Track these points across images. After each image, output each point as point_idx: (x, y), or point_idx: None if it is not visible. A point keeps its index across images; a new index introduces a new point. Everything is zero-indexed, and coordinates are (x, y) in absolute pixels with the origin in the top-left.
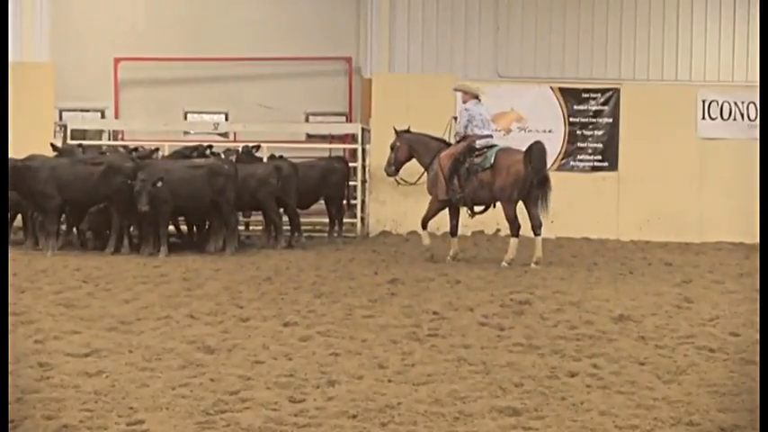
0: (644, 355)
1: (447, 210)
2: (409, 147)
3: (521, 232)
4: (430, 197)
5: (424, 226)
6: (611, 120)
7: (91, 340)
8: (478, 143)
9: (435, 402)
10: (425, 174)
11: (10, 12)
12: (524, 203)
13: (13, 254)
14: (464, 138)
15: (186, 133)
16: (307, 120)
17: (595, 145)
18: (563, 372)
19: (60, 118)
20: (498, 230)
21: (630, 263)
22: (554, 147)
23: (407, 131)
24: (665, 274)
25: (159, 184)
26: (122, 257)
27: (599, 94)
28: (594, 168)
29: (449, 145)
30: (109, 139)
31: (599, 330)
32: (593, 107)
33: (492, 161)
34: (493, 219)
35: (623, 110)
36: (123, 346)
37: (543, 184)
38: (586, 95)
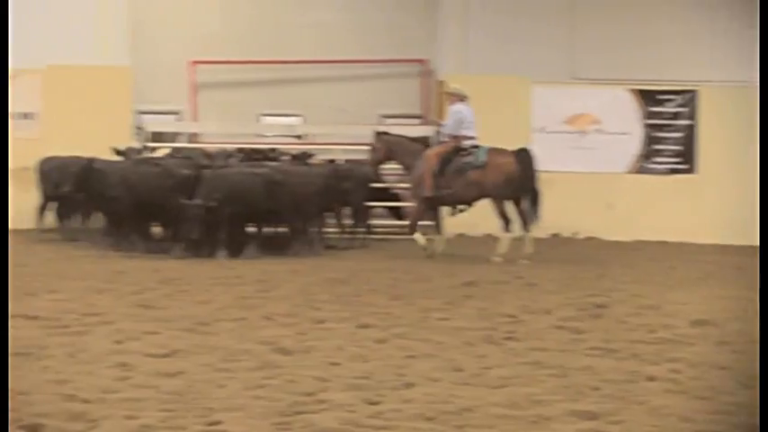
0: (723, 359)
1: (439, 211)
2: (388, 148)
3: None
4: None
5: (413, 230)
6: (689, 122)
7: (169, 341)
8: (466, 143)
9: (512, 406)
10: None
11: (89, 16)
12: (513, 201)
13: (88, 254)
14: (454, 138)
15: (261, 136)
16: (381, 122)
17: (673, 147)
18: (641, 376)
19: (138, 121)
20: (575, 233)
21: (709, 266)
22: (630, 149)
23: (386, 133)
24: (743, 278)
25: (213, 203)
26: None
27: (677, 96)
28: (672, 171)
29: (429, 146)
30: (186, 142)
31: (677, 334)
32: (671, 109)
33: (483, 159)
34: (569, 221)
35: (702, 112)
36: (200, 346)
37: (533, 192)
38: (663, 97)
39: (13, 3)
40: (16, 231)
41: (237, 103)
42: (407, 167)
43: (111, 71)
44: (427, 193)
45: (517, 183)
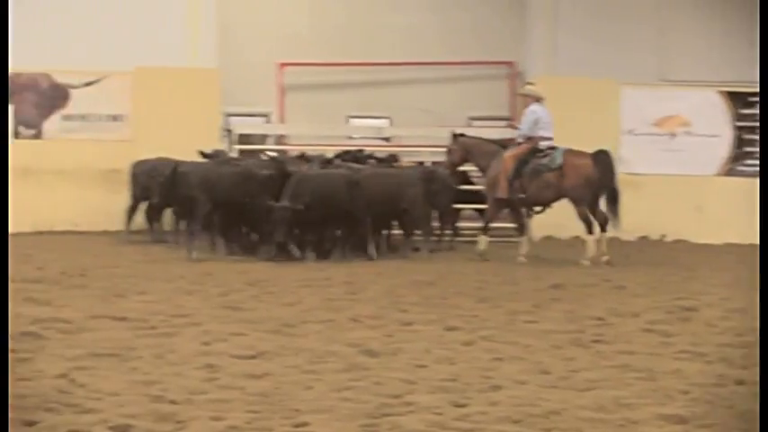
0: None
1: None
2: (465, 150)
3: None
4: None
5: (486, 230)
6: None
7: (256, 342)
8: (542, 144)
9: (600, 409)
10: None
11: (177, 19)
12: (591, 202)
13: (177, 256)
14: (529, 139)
15: (349, 138)
16: (469, 125)
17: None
18: (730, 380)
19: (226, 123)
20: (663, 236)
21: None
22: (720, 151)
23: (463, 135)
24: None
25: (300, 206)
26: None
27: None
28: None
29: (506, 147)
30: (274, 144)
31: None
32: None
33: (559, 162)
34: (658, 224)
35: None
36: (287, 348)
37: (613, 194)
38: (753, 99)
39: (101, 6)
40: (106, 233)
41: (325, 106)
42: (483, 169)
43: (199, 73)
44: (502, 194)
45: (595, 185)
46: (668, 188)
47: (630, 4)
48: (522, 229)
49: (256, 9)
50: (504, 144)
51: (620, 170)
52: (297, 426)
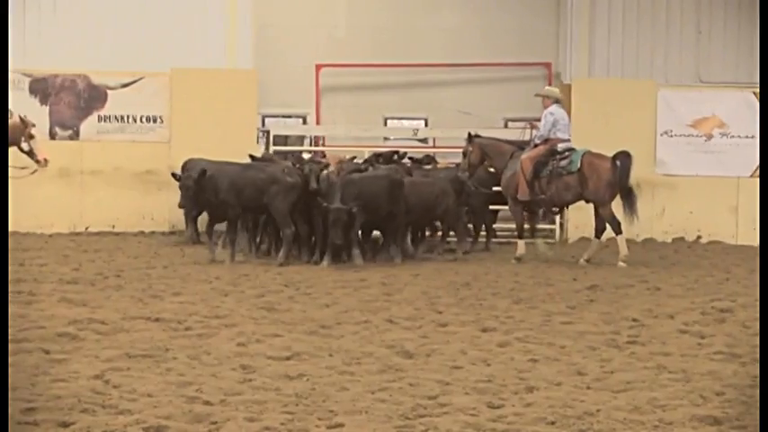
0: None
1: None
2: (482, 151)
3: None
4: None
5: (521, 234)
6: None
7: (291, 343)
8: (560, 146)
9: (635, 410)
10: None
11: (214, 20)
12: (606, 204)
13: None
14: (546, 141)
15: (386, 139)
16: (506, 125)
17: None
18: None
19: (263, 124)
20: (699, 237)
21: None
22: (756, 153)
23: (478, 136)
24: None
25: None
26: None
27: None
28: None
29: (522, 148)
30: (310, 145)
31: None
32: None
33: (579, 164)
34: (694, 225)
35: None
36: (323, 349)
37: (629, 194)
38: None
39: (138, 7)
40: (142, 234)
41: (362, 107)
42: (499, 170)
43: (236, 74)
44: (522, 196)
45: (616, 186)
46: (704, 189)
47: (667, 5)
48: (534, 231)
49: (294, 10)
50: (520, 145)
51: (657, 171)
52: (332, 427)
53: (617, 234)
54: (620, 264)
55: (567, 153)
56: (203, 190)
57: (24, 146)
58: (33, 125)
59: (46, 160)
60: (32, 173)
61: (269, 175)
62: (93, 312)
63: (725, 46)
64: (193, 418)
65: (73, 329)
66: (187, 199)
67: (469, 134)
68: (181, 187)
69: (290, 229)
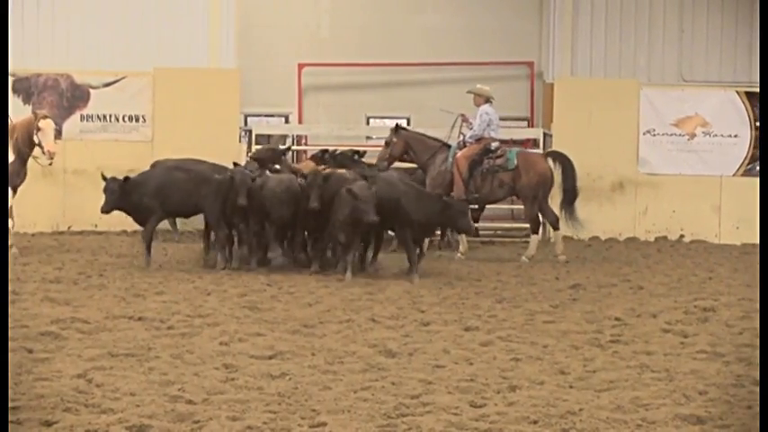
0: None
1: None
2: (406, 143)
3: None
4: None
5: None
6: None
7: (274, 343)
8: (493, 145)
9: (617, 409)
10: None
11: (197, 19)
12: (542, 201)
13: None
14: (479, 140)
15: (368, 138)
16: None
17: None
18: (749, 380)
19: (245, 123)
20: (682, 236)
21: None
22: (740, 152)
23: (404, 128)
24: None
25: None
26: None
27: None
28: None
29: (447, 146)
30: (293, 144)
31: None
32: None
33: (515, 162)
34: (677, 224)
35: None
36: (306, 348)
37: (571, 198)
38: None
39: (121, 6)
40: (125, 233)
41: (345, 106)
42: (424, 165)
43: (219, 74)
44: (459, 195)
45: (549, 184)
46: (687, 188)
47: (650, 5)
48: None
49: (276, 10)
50: (446, 143)
51: (640, 170)
52: (315, 426)
53: (534, 233)
54: (561, 257)
55: (500, 152)
56: (127, 194)
57: (35, 138)
58: (45, 116)
59: (51, 153)
60: (49, 164)
61: (197, 175)
62: (75, 311)
63: (708, 45)
64: (176, 417)
65: (56, 328)
66: (109, 204)
67: (397, 125)
68: (104, 191)
69: (224, 232)
